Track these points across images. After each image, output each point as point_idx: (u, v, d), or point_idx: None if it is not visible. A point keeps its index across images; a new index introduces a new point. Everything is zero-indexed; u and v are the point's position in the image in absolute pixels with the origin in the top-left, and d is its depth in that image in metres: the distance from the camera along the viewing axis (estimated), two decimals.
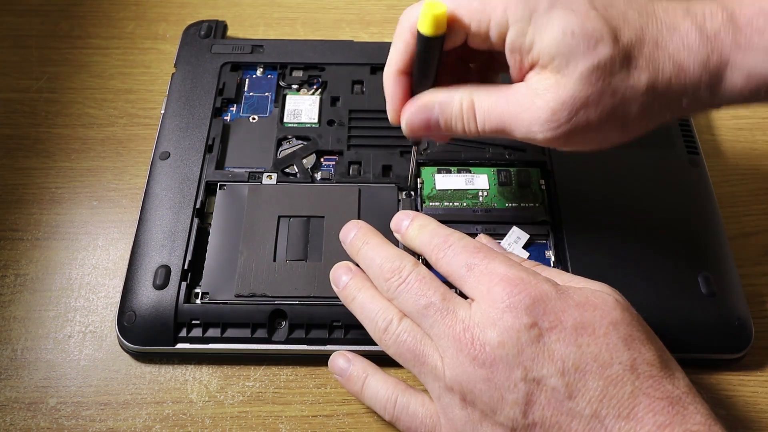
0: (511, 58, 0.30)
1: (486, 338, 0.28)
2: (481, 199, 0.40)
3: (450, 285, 0.32)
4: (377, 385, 0.33)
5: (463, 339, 0.29)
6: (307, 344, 0.35)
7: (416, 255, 0.34)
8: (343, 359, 0.34)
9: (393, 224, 0.35)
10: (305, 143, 0.43)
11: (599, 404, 0.27)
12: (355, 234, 0.35)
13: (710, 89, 0.29)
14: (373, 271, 0.33)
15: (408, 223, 0.34)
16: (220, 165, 0.41)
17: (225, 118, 0.44)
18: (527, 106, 0.30)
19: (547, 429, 0.27)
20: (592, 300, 0.29)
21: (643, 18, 0.29)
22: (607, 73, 0.28)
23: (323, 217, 0.39)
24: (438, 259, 0.32)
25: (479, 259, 0.31)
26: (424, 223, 0.34)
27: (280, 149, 0.42)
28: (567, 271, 0.36)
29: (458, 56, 0.33)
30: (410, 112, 0.33)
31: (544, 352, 0.28)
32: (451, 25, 0.30)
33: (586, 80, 0.28)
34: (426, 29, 0.29)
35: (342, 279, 0.34)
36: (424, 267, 0.32)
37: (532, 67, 0.30)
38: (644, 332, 0.29)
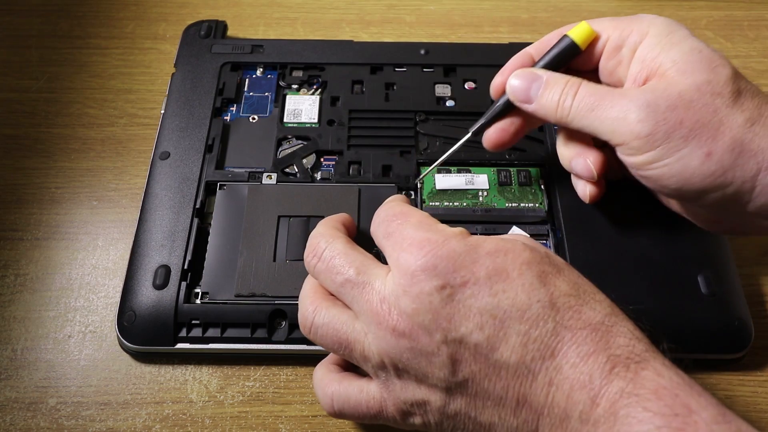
0: (634, 66, 0.34)
1: (401, 307, 0.28)
2: (481, 198, 0.40)
3: None
4: (316, 383, 0.32)
5: (380, 311, 0.28)
6: (307, 344, 0.35)
7: None
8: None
9: None
10: (305, 143, 0.43)
11: (523, 349, 0.27)
12: None
13: None
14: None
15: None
16: (220, 165, 0.41)
17: (225, 118, 0.44)
18: (627, 93, 0.32)
19: (479, 383, 0.27)
20: (502, 246, 0.29)
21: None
22: (715, 92, 0.31)
23: (323, 217, 0.39)
24: (373, 232, 0.32)
25: (395, 225, 0.31)
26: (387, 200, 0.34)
27: (280, 149, 0.42)
28: None
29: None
30: (520, 73, 0.36)
31: (459, 311, 0.27)
32: (592, 46, 0.35)
33: (696, 88, 0.31)
34: (576, 37, 0.35)
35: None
36: (341, 242, 0.32)
37: (652, 74, 0.33)
38: (555, 266, 0.29)
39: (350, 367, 0.32)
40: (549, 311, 0.27)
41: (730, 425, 0.24)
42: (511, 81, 0.36)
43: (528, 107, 0.35)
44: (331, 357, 0.33)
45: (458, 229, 0.30)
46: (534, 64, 0.37)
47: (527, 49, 0.38)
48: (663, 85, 0.32)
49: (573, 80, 0.34)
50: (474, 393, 0.28)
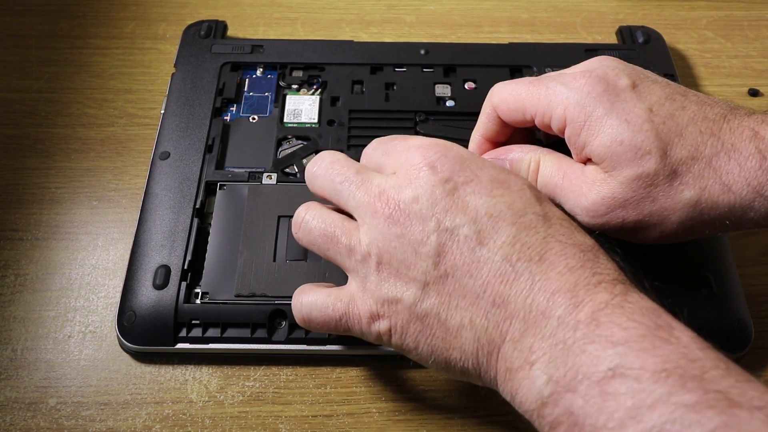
0: (570, 147, 0.33)
1: (401, 197, 0.29)
2: None
3: None
4: (294, 296, 0.32)
5: (378, 202, 0.29)
6: (307, 344, 0.35)
7: None
8: None
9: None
10: (305, 143, 0.43)
11: (510, 249, 0.27)
12: None
13: (761, 213, 0.31)
14: None
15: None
16: (220, 165, 0.41)
17: (225, 118, 0.44)
18: (576, 189, 0.33)
19: (458, 279, 0.28)
20: (506, 168, 0.31)
21: (704, 136, 0.31)
22: (649, 183, 0.31)
23: None
24: (368, 156, 0.33)
25: (396, 143, 0.32)
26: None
27: (280, 149, 0.42)
28: None
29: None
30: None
31: (458, 204, 0.28)
32: (520, 114, 0.34)
33: (628, 185, 0.31)
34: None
35: None
36: (341, 153, 0.33)
37: (586, 160, 0.33)
38: (552, 200, 0.31)
39: None
40: (542, 223, 0.28)
41: (707, 345, 0.25)
42: None
43: None
44: None
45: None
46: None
47: (479, 135, 0.37)
48: (598, 187, 0.32)
49: (532, 162, 0.35)
50: (450, 291, 0.28)
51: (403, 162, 0.30)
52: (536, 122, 0.34)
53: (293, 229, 0.33)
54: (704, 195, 0.31)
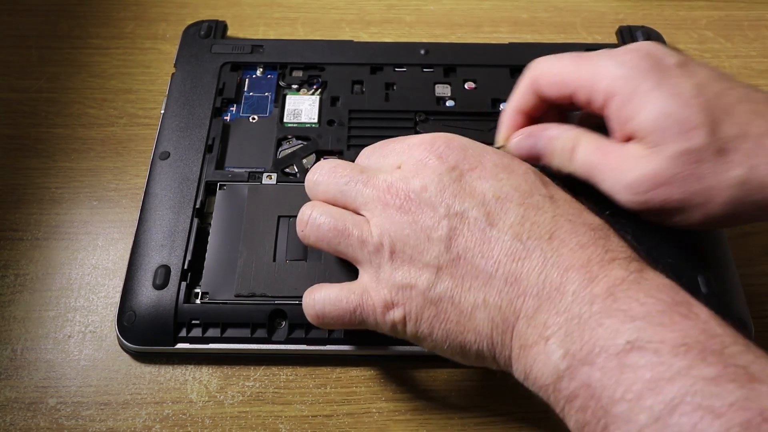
0: (611, 124, 0.32)
1: (410, 187, 0.30)
2: None
3: None
4: (305, 294, 0.32)
5: (387, 195, 0.30)
6: (307, 344, 0.35)
7: None
8: None
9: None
10: (305, 143, 0.43)
11: (520, 228, 0.28)
12: None
13: None
14: None
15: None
16: (220, 165, 0.41)
17: (225, 118, 0.44)
18: (617, 166, 0.31)
19: (470, 260, 0.28)
20: (509, 155, 0.32)
21: (753, 115, 0.30)
22: (696, 159, 0.30)
23: None
24: (362, 163, 0.33)
25: (393, 144, 0.32)
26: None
27: (280, 149, 0.42)
28: None
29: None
30: (520, 137, 0.35)
31: (465, 189, 0.29)
32: (561, 87, 0.33)
33: (674, 161, 0.30)
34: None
35: None
36: (338, 159, 0.35)
37: (629, 137, 0.32)
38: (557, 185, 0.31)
39: None
40: (549, 203, 0.29)
41: (726, 323, 0.24)
42: (513, 146, 0.35)
43: (542, 162, 0.35)
44: None
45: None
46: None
47: (512, 107, 0.35)
48: (643, 163, 0.31)
49: (569, 140, 0.33)
50: (463, 273, 0.28)
51: (406, 158, 0.31)
52: (577, 98, 0.33)
53: (298, 228, 0.33)
54: (753, 174, 0.30)
